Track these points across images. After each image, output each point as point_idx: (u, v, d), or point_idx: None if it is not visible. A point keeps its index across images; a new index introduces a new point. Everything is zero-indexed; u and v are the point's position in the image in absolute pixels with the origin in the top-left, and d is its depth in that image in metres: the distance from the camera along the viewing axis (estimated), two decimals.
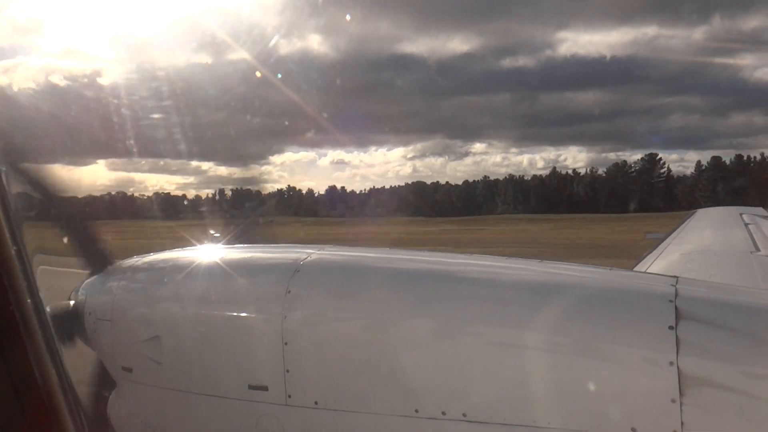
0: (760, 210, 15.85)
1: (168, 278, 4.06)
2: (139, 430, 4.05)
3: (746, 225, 11.89)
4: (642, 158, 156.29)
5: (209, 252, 4.22)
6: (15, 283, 1.37)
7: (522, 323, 3.01)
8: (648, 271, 7.52)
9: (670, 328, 2.71)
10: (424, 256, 4.11)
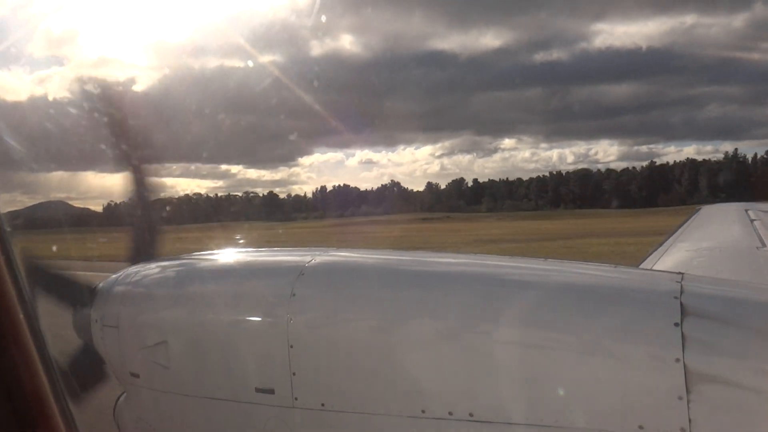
0: (766, 205, 15.75)
1: (173, 283, 4.09)
2: None
3: (752, 221, 11.83)
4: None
5: (213, 256, 4.25)
6: (5, 291, 1.37)
7: (527, 322, 3.02)
8: (653, 268, 7.49)
9: (676, 324, 2.70)
10: (428, 257, 4.11)
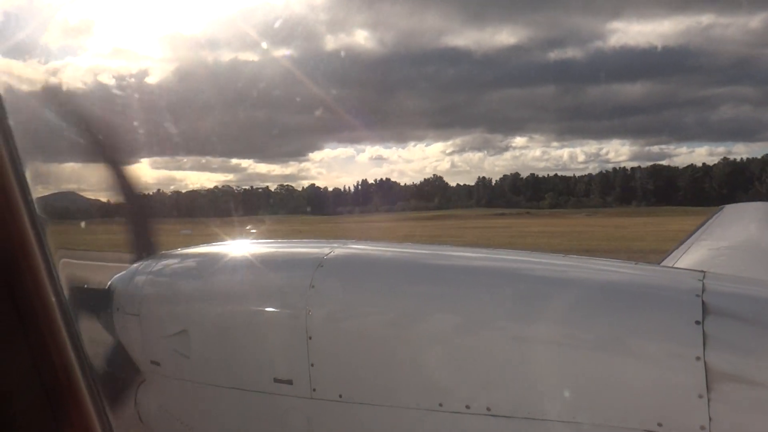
0: None
1: (193, 273, 4.14)
2: (168, 422, 4.12)
3: None
4: None
5: (234, 247, 4.28)
6: (39, 281, 1.40)
7: (546, 318, 3.00)
8: (675, 266, 7.41)
9: (697, 323, 2.68)
10: (446, 251, 4.11)
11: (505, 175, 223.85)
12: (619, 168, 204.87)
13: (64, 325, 1.42)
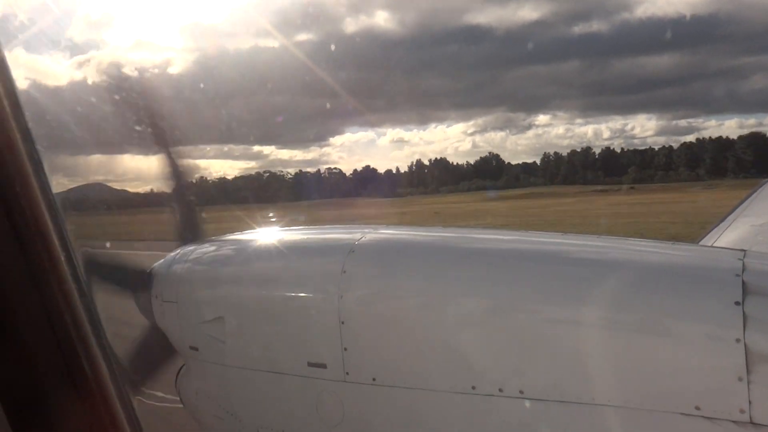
0: None
1: (228, 261, 4.22)
2: (207, 406, 4.23)
3: None
4: None
5: (267, 234, 4.33)
6: (62, 276, 1.43)
7: (582, 299, 2.96)
8: (714, 244, 7.23)
9: (737, 303, 2.61)
10: (478, 234, 4.09)
11: (574, 151, 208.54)
12: (709, 138, 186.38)
13: (85, 312, 1.45)
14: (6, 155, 1.36)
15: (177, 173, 4.78)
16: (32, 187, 1.39)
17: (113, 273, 4.64)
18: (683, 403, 2.65)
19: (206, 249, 4.40)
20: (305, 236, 4.23)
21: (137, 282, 4.53)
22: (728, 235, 8.07)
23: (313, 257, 3.80)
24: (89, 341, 1.45)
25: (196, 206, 4.98)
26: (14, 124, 1.38)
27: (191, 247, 4.46)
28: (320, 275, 3.60)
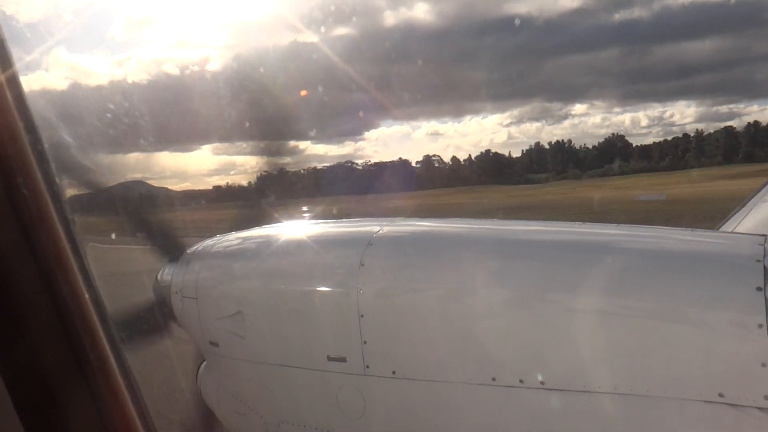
0: None
1: (246, 256, 4.23)
2: (227, 401, 4.26)
3: None
4: None
5: (284, 229, 4.35)
6: (72, 280, 1.45)
7: (601, 288, 2.94)
8: (735, 230, 7.10)
9: (759, 289, 2.58)
10: (495, 225, 4.07)
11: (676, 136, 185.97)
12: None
13: (93, 305, 1.47)
14: (9, 148, 1.37)
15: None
16: (36, 180, 1.41)
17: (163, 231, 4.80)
18: (706, 390, 2.63)
19: (225, 244, 4.42)
20: (323, 230, 4.24)
21: (173, 249, 4.65)
22: (749, 221, 7.92)
23: (331, 251, 3.80)
24: (98, 335, 1.46)
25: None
26: (18, 116, 1.39)
27: (210, 243, 4.49)
28: (339, 269, 3.60)
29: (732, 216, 8.68)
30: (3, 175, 1.37)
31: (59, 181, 1.51)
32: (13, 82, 1.41)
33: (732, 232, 5.96)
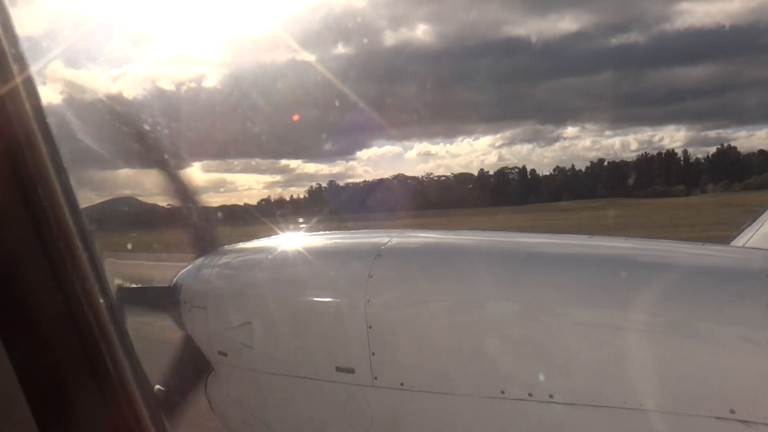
0: None
1: (256, 266, 4.25)
2: (235, 411, 4.26)
3: None
4: None
5: (293, 240, 4.36)
6: (89, 288, 1.48)
7: (611, 302, 2.93)
8: (746, 245, 7.09)
9: None
10: (504, 237, 4.07)
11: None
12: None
13: (107, 311, 1.49)
14: (28, 156, 1.40)
15: (183, 188, 4.80)
16: (54, 189, 1.43)
17: (138, 296, 4.80)
18: (717, 406, 2.60)
19: (234, 255, 4.45)
20: (333, 241, 4.26)
21: (163, 297, 4.61)
22: (760, 236, 7.90)
23: (340, 262, 3.81)
24: (112, 339, 1.48)
25: (207, 216, 5.01)
26: (36, 127, 1.42)
27: (219, 253, 4.51)
28: (347, 280, 3.61)
29: (743, 230, 8.67)
30: (21, 185, 1.39)
31: (75, 192, 1.53)
32: (32, 94, 1.44)
33: (742, 247, 5.95)
